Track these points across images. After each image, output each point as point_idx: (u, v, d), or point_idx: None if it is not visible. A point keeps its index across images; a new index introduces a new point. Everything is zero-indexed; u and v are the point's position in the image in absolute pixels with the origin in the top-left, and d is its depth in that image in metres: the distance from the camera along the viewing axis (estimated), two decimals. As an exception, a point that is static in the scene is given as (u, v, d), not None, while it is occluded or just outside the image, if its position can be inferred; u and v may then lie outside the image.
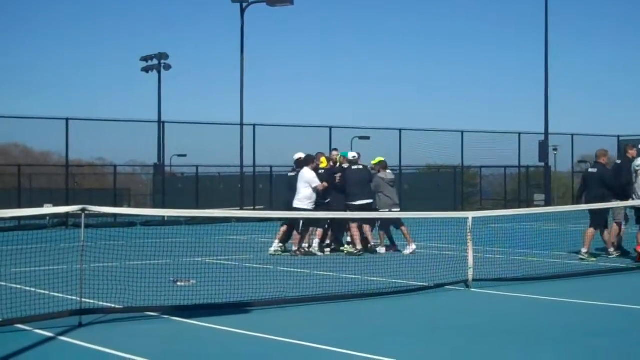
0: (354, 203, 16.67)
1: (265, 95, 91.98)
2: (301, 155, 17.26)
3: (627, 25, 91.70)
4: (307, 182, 16.32)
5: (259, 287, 11.04)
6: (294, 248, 16.51)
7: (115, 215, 26.66)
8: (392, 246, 17.37)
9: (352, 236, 16.78)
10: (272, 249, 16.66)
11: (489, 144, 36.79)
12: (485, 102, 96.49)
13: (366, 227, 16.91)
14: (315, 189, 16.31)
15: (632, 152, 15.71)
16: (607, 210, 15.31)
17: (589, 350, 7.78)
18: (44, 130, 28.64)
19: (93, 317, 9.02)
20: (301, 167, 16.72)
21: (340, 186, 16.80)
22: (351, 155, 17.50)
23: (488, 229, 16.69)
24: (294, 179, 16.79)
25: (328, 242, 17.22)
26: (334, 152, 18.38)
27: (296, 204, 16.31)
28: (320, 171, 16.89)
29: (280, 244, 16.77)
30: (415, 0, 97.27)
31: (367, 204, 16.79)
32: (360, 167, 17.23)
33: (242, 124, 30.02)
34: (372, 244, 17.00)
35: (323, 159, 17.58)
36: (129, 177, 43.19)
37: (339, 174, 16.88)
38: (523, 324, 9.09)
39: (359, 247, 16.56)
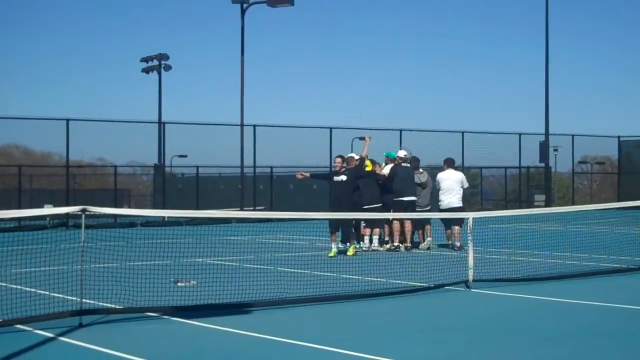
0: (401, 199, 17.25)
1: (266, 96, 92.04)
2: (354, 155, 18.12)
3: (628, 25, 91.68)
4: (462, 182, 17.86)
5: (259, 288, 11.05)
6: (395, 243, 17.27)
7: (115, 216, 26.68)
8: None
9: (391, 232, 17.50)
10: (373, 246, 17.40)
11: (490, 144, 36.82)
12: (486, 102, 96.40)
13: (407, 225, 17.46)
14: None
15: None
16: None
17: (589, 350, 7.77)
18: (44, 131, 28.69)
19: (93, 318, 9.02)
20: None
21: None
22: (402, 153, 18.19)
23: (488, 229, 16.70)
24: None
25: (386, 238, 17.97)
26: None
27: (458, 202, 17.65)
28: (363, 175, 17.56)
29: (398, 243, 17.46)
30: (416, 1, 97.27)
31: (413, 200, 17.45)
32: (408, 165, 17.82)
33: (242, 125, 30.01)
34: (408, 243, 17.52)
35: (369, 162, 17.92)
36: (130, 178, 43.20)
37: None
38: (523, 325, 9.09)
39: (396, 242, 17.29)
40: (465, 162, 36.01)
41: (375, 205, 17.13)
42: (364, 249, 17.25)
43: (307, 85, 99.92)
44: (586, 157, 44.58)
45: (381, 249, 17.39)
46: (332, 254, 16.18)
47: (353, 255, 16.13)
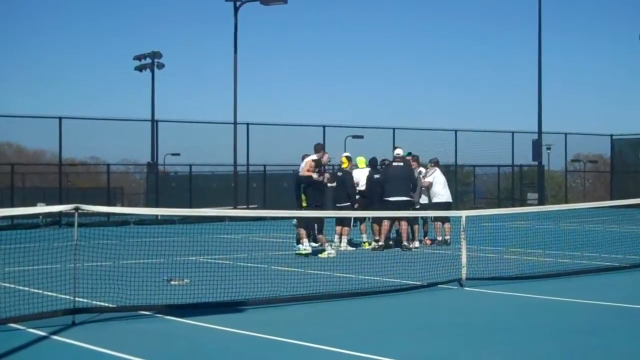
0: (387, 199, 17.22)
1: (259, 94, 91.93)
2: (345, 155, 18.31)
3: (621, 23, 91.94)
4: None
5: (253, 286, 11.05)
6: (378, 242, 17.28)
7: (108, 214, 26.65)
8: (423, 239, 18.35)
9: (376, 230, 17.56)
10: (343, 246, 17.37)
11: (483, 142, 36.87)
12: (479, 101, 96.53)
13: (385, 224, 17.45)
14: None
15: None
16: None
17: (581, 348, 7.80)
18: (37, 129, 28.60)
19: (86, 316, 9.01)
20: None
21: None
22: (398, 151, 18.16)
23: (481, 227, 16.73)
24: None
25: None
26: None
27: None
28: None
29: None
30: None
31: (402, 200, 17.17)
32: (401, 164, 17.67)
33: (235, 123, 30.00)
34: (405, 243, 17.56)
35: (345, 159, 17.99)
36: (122, 176, 43.11)
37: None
38: (516, 323, 9.11)
39: (382, 242, 17.27)
40: (458, 160, 36.07)
41: (344, 204, 17.08)
42: (341, 248, 17.15)
43: (300, 84, 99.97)
44: (579, 155, 44.67)
45: (350, 248, 17.41)
46: (303, 253, 15.75)
47: (326, 257, 15.60)
